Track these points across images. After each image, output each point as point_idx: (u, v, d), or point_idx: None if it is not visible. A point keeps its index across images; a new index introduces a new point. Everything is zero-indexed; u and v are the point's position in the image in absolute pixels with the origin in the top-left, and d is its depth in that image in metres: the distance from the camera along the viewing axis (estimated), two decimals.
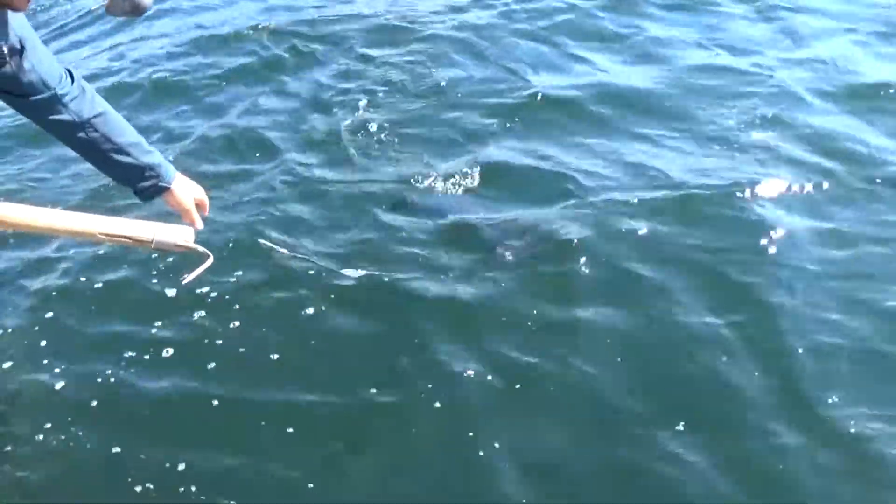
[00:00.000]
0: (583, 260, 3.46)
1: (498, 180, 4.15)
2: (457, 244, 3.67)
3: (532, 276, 3.41)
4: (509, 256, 3.53)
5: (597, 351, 3.04)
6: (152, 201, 2.36)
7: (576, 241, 3.54)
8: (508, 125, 4.72)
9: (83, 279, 3.49)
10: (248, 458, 2.64)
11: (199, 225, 2.33)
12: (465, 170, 4.19)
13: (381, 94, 5.14)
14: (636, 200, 3.85)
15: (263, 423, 2.76)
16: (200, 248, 2.26)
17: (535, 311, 3.21)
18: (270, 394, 2.88)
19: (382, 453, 2.67)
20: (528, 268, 3.45)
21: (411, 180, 4.15)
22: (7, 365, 3.08)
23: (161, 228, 2.18)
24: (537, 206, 3.92)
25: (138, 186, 2.22)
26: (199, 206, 2.35)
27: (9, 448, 2.73)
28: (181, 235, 2.20)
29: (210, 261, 2.29)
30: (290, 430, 2.73)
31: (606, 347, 3.05)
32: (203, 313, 3.23)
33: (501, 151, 4.42)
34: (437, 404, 2.80)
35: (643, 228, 3.64)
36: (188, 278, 2.29)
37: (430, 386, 2.88)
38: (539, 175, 4.17)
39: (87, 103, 2.07)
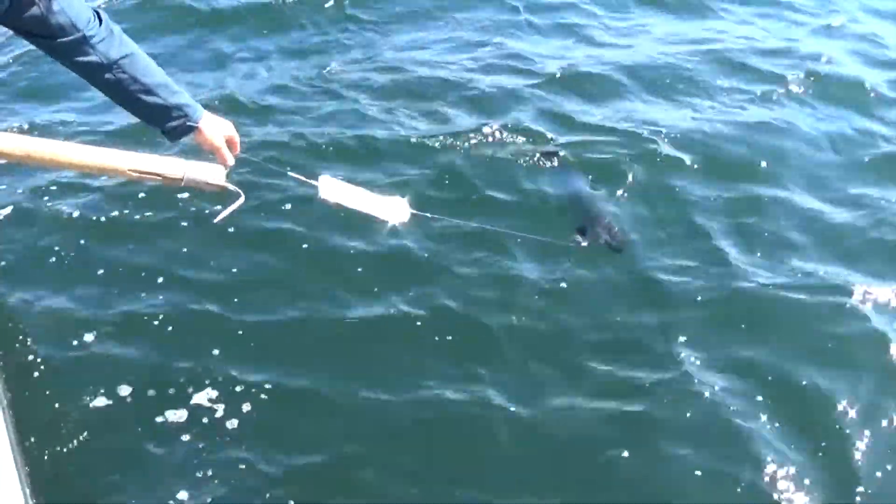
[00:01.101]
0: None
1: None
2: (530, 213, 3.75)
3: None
4: (584, 242, 3.53)
5: None
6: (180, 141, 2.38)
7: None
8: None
9: (114, 212, 3.65)
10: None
11: (230, 162, 2.33)
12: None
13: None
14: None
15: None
16: (231, 187, 2.29)
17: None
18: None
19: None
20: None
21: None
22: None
23: (192, 166, 2.22)
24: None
25: (166, 126, 2.23)
26: (229, 143, 2.34)
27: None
28: (212, 173, 2.23)
29: (241, 199, 2.31)
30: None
31: None
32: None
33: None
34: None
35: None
36: (220, 216, 2.33)
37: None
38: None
39: (116, 45, 2.09)
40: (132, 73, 2.11)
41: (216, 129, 2.30)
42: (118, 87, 2.13)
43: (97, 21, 2.06)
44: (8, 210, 3.73)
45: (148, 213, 3.71)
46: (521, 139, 4.30)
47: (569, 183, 3.95)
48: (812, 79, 5.01)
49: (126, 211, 3.73)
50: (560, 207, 3.83)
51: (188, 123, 2.23)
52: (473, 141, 4.27)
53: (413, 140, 4.28)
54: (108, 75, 2.09)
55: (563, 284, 3.37)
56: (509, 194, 3.89)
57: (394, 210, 2.44)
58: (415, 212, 2.57)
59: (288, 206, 3.75)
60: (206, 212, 3.61)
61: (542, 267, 3.44)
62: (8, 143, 2.00)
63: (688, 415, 2.86)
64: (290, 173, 2.53)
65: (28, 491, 2.32)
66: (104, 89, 2.15)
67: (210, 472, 2.64)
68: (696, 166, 4.13)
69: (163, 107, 2.18)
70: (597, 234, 3.54)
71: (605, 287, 3.39)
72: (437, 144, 4.23)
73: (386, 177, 3.98)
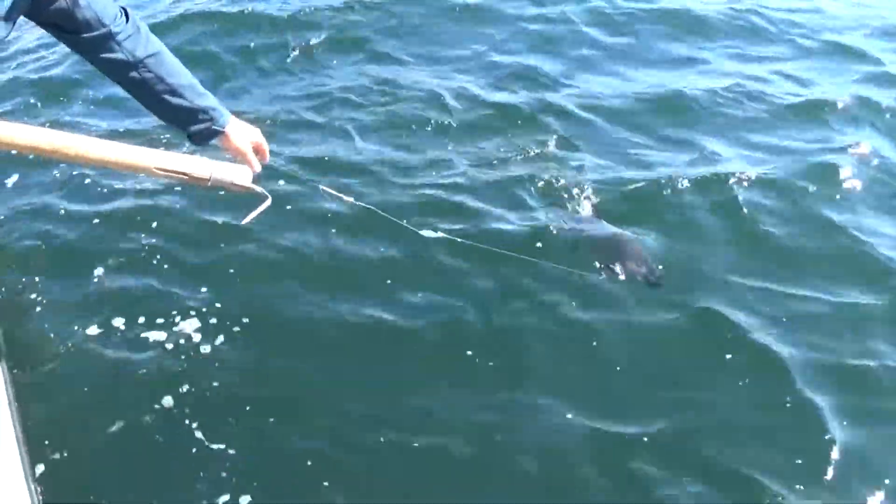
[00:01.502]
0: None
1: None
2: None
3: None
4: (621, 276, 3.39)
5: None
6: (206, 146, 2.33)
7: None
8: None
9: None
10: None
11: (257, 168, 2.27)
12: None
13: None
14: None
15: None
16: (258, 189, 2.23)
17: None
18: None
19: None
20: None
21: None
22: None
23: (219, 167, 2.17)
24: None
25: (191, 130, 2.18)
26: (256, 150, 2.29)
27: None
28: (239, 175, 2.19)
29: (268, 202, 2.27)
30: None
31: None
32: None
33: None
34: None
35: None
36: (247, 219, 2.29)
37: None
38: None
39: (142, 43, 2.04)
40: (158, 73, 2.07)
41: (243, 134, 2.25)
42: (143, 87, 2.09)
43: (124, 18, 2.03)
44: (24, 204, 3.83)
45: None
46: (548, 167, 4.20)
47: (590, 221, 3.78)
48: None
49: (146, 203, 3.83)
50: (581, 241, 3.65)
51: (214, 127, 2.18)
52: (495, 162, 4.23)
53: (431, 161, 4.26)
54: (133, 73, 2.05)
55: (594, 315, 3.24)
56: (525, 221, 3.79)
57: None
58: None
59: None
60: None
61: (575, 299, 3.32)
62: (37, 137, 1.98)
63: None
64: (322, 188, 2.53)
65: (35, 488, 2.30)
66: (129, 88, 2.11)
67: (219, 473, 2.62)
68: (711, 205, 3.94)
69: (188, 109, 2.13)
70: (633, 269, 3.39)
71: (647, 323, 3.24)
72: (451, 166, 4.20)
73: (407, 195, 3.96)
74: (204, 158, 2.21)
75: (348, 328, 3.16)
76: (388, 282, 3.38)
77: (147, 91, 2.10)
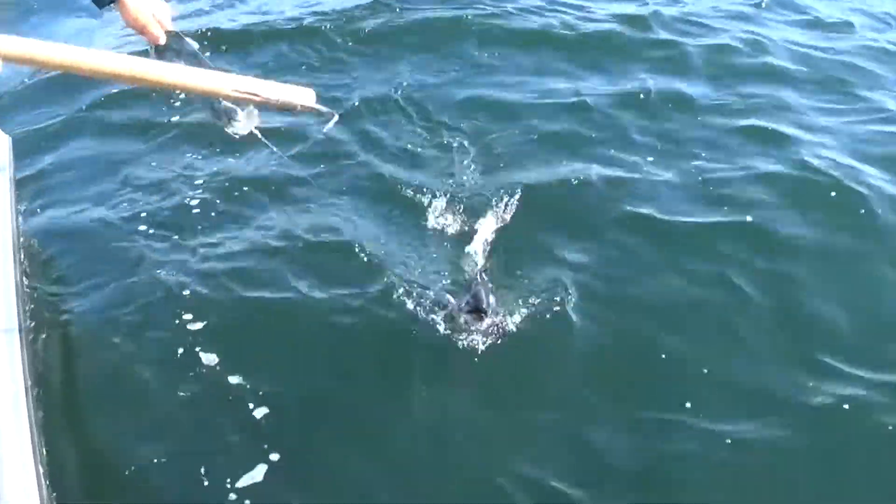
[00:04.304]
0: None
1: None
2: None
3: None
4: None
5: None
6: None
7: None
8: None
9: None
10: None
11: (161, 39, 2.27)
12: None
13: None
14: None
15: None
16: (324, 108, 2.32)
17: None
18: None
19: None
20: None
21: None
22: None
23: (285, 89, 2.26)
24: None
25: None
26: (158, 19, 2.26)
27: None
28: (304, 96, 2.27)
29: (336, 118, 2.35)
30: None
31: None
32: None
33: None
34: None
35: None
36: (326, 128, 2.35)
37: None
38: None
39: None
40: None
41: (143, 4, 2.22)
42: None
43: None
44: None
45: None
46: None
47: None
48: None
49: None
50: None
51: None
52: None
53: None
54: None
55: None
56: None
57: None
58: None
59: None
60: None
61: None
62: (116, 63, 2.06)
63: None
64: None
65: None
66: None
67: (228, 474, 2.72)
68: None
69: None
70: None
71: None
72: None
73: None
74: (272, 82, 2.29)
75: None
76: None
77: None
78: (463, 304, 3.39)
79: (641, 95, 5.22)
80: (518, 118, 4.98)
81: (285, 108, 2.26)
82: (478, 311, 3.33)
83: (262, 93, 2.20)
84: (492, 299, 3.42)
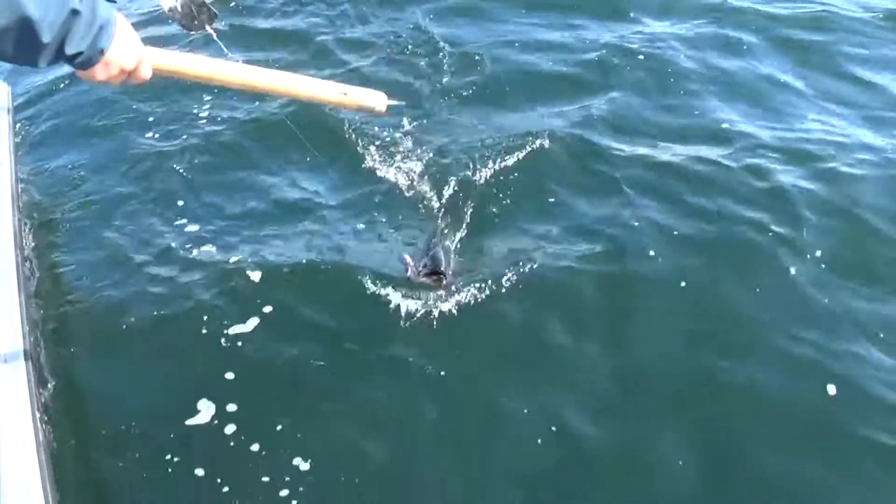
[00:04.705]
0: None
1: None
2: None
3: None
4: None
5: None
6: None
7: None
8: None
9: None
10: None
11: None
12: None
13: None
14: None
15: None
16: (396, 102, 2.43)
17: None
18: None
19: None
20: None
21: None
22: None
23: (360, 92, 2.36)
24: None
25: None
26: None
27: None
28: (376, 100, 2.39)
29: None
30: None
31: None
32: None
33: None
34: None
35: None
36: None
37: None
38: None
39: None
40: None
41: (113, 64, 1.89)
42: None
43: None
44: None
45: None
46: None
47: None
48: None
49: None
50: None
51: None
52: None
53: None
54: None
55: None
56: None
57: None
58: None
59: None
60: None
61: None
62: (207, 66, 2.11)
63: None
64: None
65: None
66: None
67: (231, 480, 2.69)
68: None
69: None
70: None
71: None
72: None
73: None
74: (347, 85, 2.38)
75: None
76: None
77: None
78: (421, 267, 3.34)
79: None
80: (495, 78, 4.96)
81: (363, 109, 2.38)
82: (436, 274, 3.29)
83: (334, 97, 2.31)
84: (451, 261, 3.38)
